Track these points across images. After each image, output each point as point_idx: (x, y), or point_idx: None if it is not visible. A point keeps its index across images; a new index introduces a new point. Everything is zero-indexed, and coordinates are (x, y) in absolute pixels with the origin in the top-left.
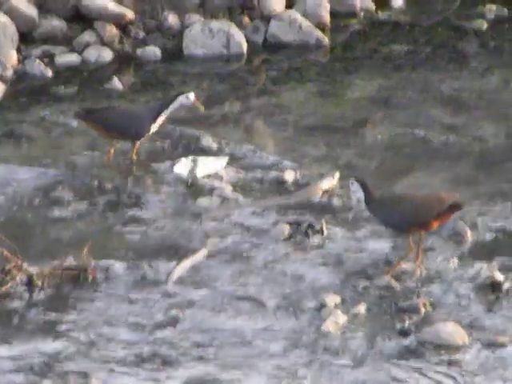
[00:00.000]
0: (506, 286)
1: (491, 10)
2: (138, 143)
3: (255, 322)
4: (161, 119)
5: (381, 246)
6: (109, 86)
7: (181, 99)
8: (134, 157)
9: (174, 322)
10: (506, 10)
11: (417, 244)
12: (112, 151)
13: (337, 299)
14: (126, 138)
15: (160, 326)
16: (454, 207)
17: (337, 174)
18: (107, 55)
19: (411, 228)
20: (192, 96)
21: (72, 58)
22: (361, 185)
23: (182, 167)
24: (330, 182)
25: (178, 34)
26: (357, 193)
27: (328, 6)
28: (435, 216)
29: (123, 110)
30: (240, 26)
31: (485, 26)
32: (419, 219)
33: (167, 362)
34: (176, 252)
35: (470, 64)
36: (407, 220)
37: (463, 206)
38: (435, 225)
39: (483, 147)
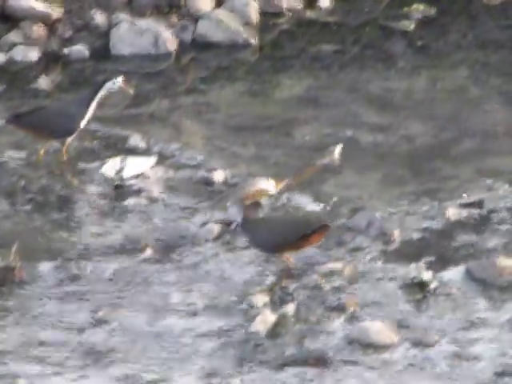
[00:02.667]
0: (433, 285)
1: (418, 9)
2: (68, 141)
3: (184, 322)
4: (90, 111)
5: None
6: (36, 85)
7: (108, 86)
8: (65, 156)
9: (101, 322)
10: (433, 10)
11: (285, 263)
12: (42, 151)
13: (265, 299)
14: (58, 136)
15: (88, 326)
16: (322, 229)
17: (338, 148)
18: (34, 54)
19: (276, 248)
20: (120, 80)
21: None
22: (237, 206)
23: (110, 167)
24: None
25: (106, 33)
26: (235, 214)
27: (256, 6)
28: (300, 238)
29: (51, 109)
30: (168, 24)
31: (412, 26)
32: (284, 240)
33: (95, 363)
34: (103, 252)
35: (398, 64)
36: (271, 240)
37: (330, 229)
38: (301, 246)
39: (410, 147)
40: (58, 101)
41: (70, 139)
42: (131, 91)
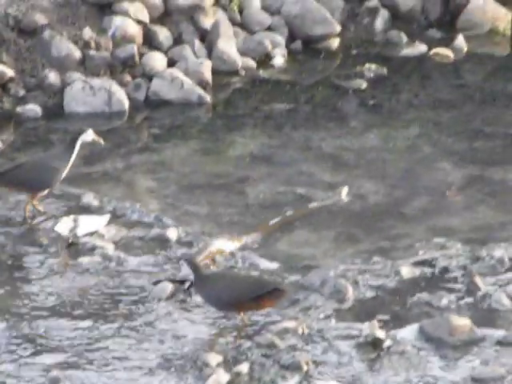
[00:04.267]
0: (386, 343)
1: (370, 69)
2: (43, 194)
3: (138, 381)
4: (70, 164)
5: None
6: None
7: (83, 137)
8: (40, 208)
9: (54, 381)
10: (385, 69)
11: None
12: (27, 207)
13: (219, 358)
14: (39, 190)
15: None
16: (276, 293)
17: (345, 189)
18: None
19: (228, 307)
20: (91, 132)
21: None
22: (190, 265)
23: (63, 226)
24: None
25: (59, 92)
26: (187, 273)
27: (210, 65)
28: (252, 298)
29: (32, 164)
30: (121, 83)
31: (364, 85)
32: (234, 299)
33: None
34: (56, 311)
35: (350, 123)
36: (222, 299)
37: (286, 293)
38: (253, 307)
39: (363, 205)
40: (11, 161)
41: (44, 192)
42: (102, 142)
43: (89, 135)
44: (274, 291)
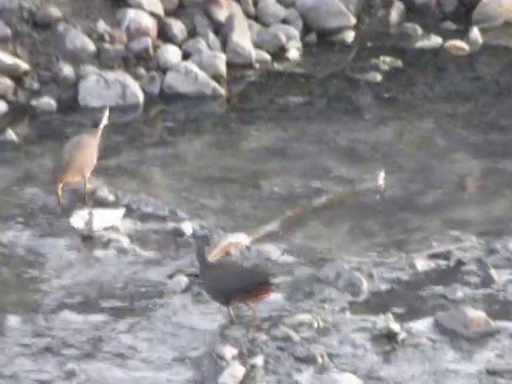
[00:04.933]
0: (401, 336)
1: (385, 61)
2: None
3: (153, 374)
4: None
5: (277, 297)
6: (3, 137)
7: (107, 114)
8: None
9: (70, 374)
10: (400, 62)
11: (253, 311)
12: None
13: (234, 351)
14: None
15: (56, 379)
16: (264, 287)
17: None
18: (1, 107)
19: (217, 297)
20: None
21: None
22: (198, 249)
23: (79, 220)
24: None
25: (74, 85)
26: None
27: (224, 58)
28: (239, 290)
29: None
30: (136, 76)
31: (379, 77)
32: (223, 290)
33: None
34: (72, 304)
35: (365, 116)
36: (213, 288)
37: (273, 288)
38: (241, 299)
39: (378, 198)
40: (26, 155)
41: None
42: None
43: (106, 113)
44: (262, 284)
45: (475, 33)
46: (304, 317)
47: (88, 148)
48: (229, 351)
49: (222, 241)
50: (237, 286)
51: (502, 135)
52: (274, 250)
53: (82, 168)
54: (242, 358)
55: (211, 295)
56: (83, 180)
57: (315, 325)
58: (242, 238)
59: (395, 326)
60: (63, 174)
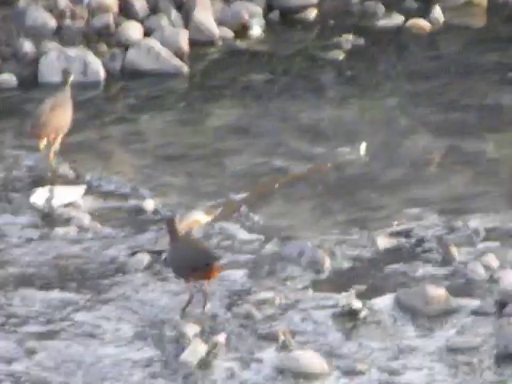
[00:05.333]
0: (363, 313)
1: (348, 39)
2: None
3: (114, 351)
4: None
5: (239, 274)
6: None
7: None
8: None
9: (30, 352)
10: (362, 40)
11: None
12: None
13: (196, 329)
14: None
15: (17, 356)
16: (209, 267)
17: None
18: None
19: (177, 274)
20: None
21: None
22: (168, 225)
23: (39, 197)
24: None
25: (34, 62)
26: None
27: (186, 35)
28: (193, 269)
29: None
30: (97, 53)
31: (341, 56)
32: (178, 267)
33: None
34: (32, 282)
35: (327, 94)
36: (172, 265)
37: (216, 270)
38: (195, 277)
39: (340, 176)
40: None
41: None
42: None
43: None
44: (208, 265)
45: (437, 12)
46: (266, 294)
47: (64, 106)
48: (191, 328)
49: (184, 219)
50: (187, 264)
51: (463, 114)
52: (236, 228)
53: (59, 125)
54: (204, 335)
55: (173, 271)
56: (54, 141)
57: (277, 302)
58: (204, 216)
59: (357, 304)
60: (41, 130)
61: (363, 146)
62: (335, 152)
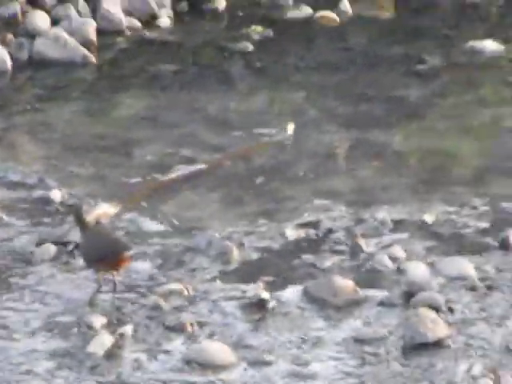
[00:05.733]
0: (271, 304)
1: (257, 31)
2: None
3: (19, 343)
4: None
5: (147, 266)
6: None
7: None
8: None
9: None
10: (271, 32)
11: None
12: None
13: (103, 320)
14: None
15: None
16: (117, 257)
17: (291, 125)
18: None
19: (87, 264)
20: None
21: None
22: (75, 214)
23: None
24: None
25: None
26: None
27: (94, 24)
28: (101, 258)
29: None
30: (3, 42)
31: (250, 47)
32: (89, 257)
33: None
34: None
35: (236, 85)
36: (83, 255)
37: (126, 260)
38: (104, 267)
39: (249, 167)
40: None
41: None
42: None
43: None
44: (116, 255)
45: (345, 4)
46: (174, 286)
47: None
48: (97, 320)
49: (92, 209)
50: (96, 254)
51: (370, 106)
52: (144, 219)
53: None
54: (110, 326)
55: (84, 262)
56: None
57: (185, 293)
58: (111, 207)
59: (265, 295)
60: None
61: (291, 127)
62: (262, 134)
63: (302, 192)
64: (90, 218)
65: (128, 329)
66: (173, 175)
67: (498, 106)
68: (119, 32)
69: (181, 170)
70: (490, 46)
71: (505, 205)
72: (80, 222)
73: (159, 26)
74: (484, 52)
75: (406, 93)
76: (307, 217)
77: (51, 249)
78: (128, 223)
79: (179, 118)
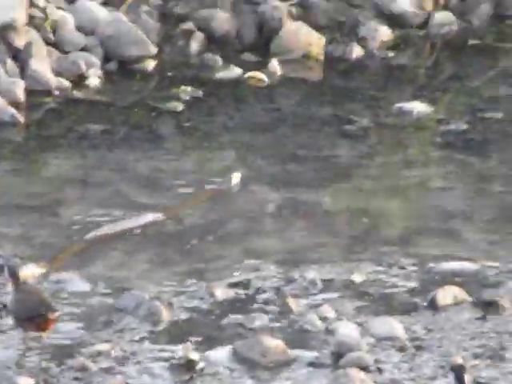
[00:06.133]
0: (200, 365)
1: (186, 91)
2: None
3: None
4: None
5: (74, 326)
6: None
7: None
8: None
9: None
10: (200, 92)
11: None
12: None
13: (30, 381)
14: None
15: None
16: (43, 318)
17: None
18: None
19: (15, 323)
20: None
21: None
22: (10, 271)
23: None
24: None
25: None
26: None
27: (23, 84)
28: (27, 319)
29: None
30: None
31: (180, 107)
32: (16, 317)
33: None
34: None
35: (166, 145)
36: (12, 314)
37: (51, 321)
38: (30, 328)
39: (179, 227)
40: None
41: None
42: None
43: None
44: (41, 316)
45: (274, 65)
46: (102, 346)
47: None
48: (24, 381)
49: (20, 270)
50: (24, 314)
51: (299, 166)
52: (72, 279)
53: None
54: None
55: (13, 320)
56: None
57: (113, 354)
58: (37, 268)
59: (194, 355)
60: None
61: (236, 177)
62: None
63: (231, 251)
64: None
65: None
66: (101, 233)
67: (426, 167)
68: (48, 92)
69: (108, 228)
70: (418, 107)
71: (432, 265)
72: (14, 278)
73: (88, 86)
74: (411, 113)
75: (334, 153)
76: (237, 276)
77: None
78: (55, 284)
79: (108, 177)
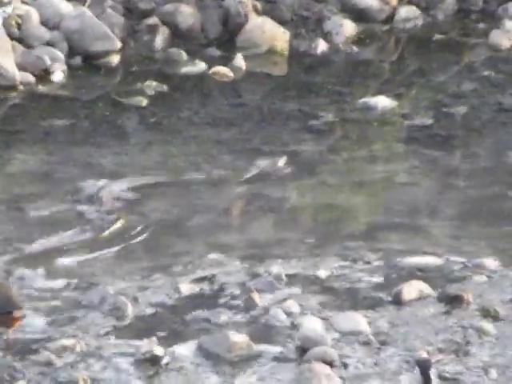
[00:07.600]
0: (165, 360)
1: (151, 86)
2: None
3: None
4: None
5: (39, 322)
6: None
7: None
8: None
9: None
10: (165, 87)
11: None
12: None
13: None
14: None
15: None
16: (10, 314)
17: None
18: None
19: None
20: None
21: None
22: None
23: None
24: None
25: None
26: None
27: None
28: None
29: None
30: None
31: (145, 102)
32: None
33: None
34: None
35: (131, 139)
36: None
37: (15, 320)
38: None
39: (143, 222)
40: None
41: None
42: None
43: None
44: (10, 313)
45: (239, 59)
46: (67, 341)
47: None
48: None
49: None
50: None
51: (265, 161)
52: (36, 275)
53: None
54: (3, 383)
55: None
56: None
57: (78, 349)
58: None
59: (159, 350)
60: None
61: (283, 159)
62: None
63: (196, 247)
64: None
65: None
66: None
67: (390, 162)
68: (12, 87)
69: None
70: (383, 102)
71: (397, 259)
72: None
73: (52, 81)
74: (376, 108)
75: (299, 148)
76: (201, 272)
77: None
78: (20, 279)
79: (73, 172)
